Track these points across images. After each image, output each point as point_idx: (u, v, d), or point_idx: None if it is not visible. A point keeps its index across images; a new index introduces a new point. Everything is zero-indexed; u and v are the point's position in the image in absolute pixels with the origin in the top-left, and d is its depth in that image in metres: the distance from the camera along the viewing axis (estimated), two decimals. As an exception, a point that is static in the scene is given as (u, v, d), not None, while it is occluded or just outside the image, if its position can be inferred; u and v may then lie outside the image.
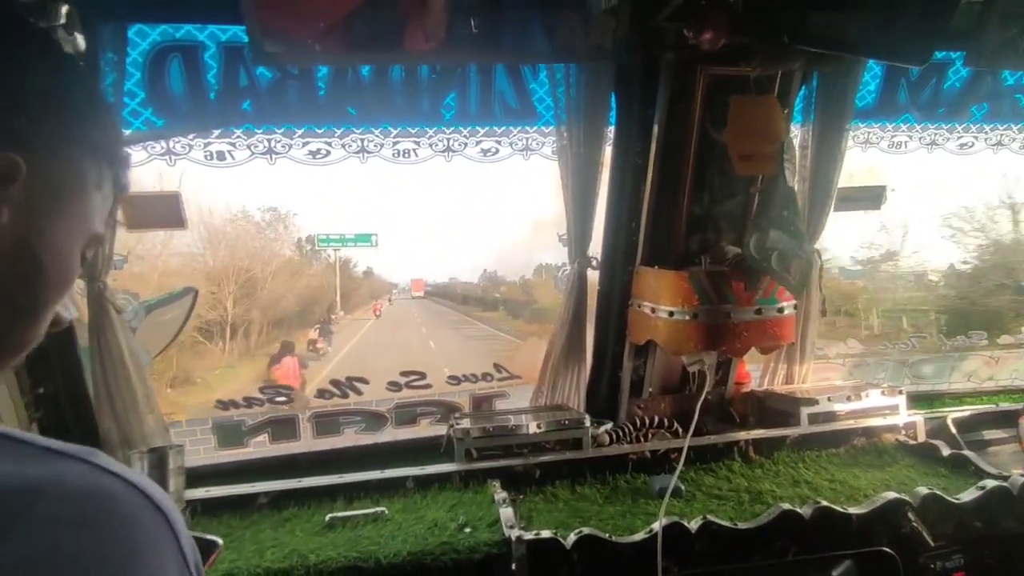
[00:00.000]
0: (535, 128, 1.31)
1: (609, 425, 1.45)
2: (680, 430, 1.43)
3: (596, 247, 1.43)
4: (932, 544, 1.05)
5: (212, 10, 0.99)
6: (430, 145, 1.25)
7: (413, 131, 1.23)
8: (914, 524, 1.04)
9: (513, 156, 1.31)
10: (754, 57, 1.12)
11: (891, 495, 1.06)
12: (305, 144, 1.18)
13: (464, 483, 1.25)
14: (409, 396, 1.53)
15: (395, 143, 1.22)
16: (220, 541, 0.79)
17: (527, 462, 1.29)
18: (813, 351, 1.61)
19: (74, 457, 0.32)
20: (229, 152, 1.14)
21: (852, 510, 1.05)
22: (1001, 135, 1.53)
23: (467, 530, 1.04)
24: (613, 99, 1.30)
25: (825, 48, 0.97)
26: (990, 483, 1.11)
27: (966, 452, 1.28)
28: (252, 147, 1.15)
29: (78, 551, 0.29)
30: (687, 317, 1.26)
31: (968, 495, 1.09)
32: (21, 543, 0.28)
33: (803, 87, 1.39)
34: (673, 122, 1.29)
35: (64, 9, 0.90)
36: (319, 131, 1.18)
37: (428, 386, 1.53)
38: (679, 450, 1.30)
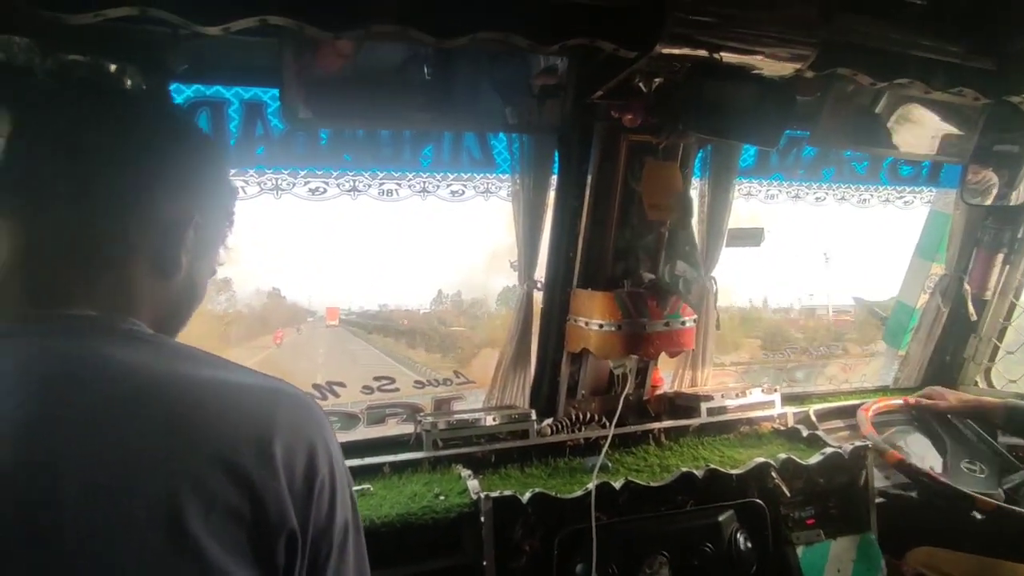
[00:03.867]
0: (494, 175, 1.60)
1: (550, 420, 1.75)
2: (607, 423, 1.74)
3: (540, 272, 1.75)
4: (789, 495, 1.41)
5: (252, 76, 1.22)
6: (409, 186, 1.52)
7: (396, 175, 1.50)
8: (776, 480, 1.41)
9: (476, 197, 1.60)
10: (661, 132, 1.49)
11: (760, 459, 1.42)
12: (307, 183, 1.42)
13: (432, 467, 1.50)
14: (379, 399, 1.76)
15: (381, 184, 1.49)
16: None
17: (484, 449, 1.56)
18: (711, 358, 1.99)
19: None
20: (242, 187, 1.36)
21: (733, 471, 1.40)
22: (844, 192, 2.01)
23: (441, 497, 1.29)
24: (556, 155, 1.63)
25: (705, 133, 1.36)
26: (829, 450, 1.50)
27: (818, 432, 1.68)
28: (262, 184, 1.38)
29: (318, 420, 0.54)
30: (613, 329, 1.59)
31: (814, 459, 1.48)
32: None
33: (700, 151, 1.79)
34: (602, 175, 1.64)
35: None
36: (319, 172, 1.42)
37: (396, 390, 1.77)
38: (607, 437, 1.62)
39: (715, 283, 1.95)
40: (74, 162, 0.55)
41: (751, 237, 1.98)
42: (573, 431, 1.70)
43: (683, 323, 1.63)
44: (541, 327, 1.80)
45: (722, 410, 1.81)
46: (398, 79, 1.41)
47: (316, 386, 1.64)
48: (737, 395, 1.84)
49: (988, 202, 1.98)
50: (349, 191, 1.46)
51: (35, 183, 0.55)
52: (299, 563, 0.50)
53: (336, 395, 1.65)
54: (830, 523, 1.49)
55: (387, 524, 1.19)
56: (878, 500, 1.57)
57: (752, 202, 1.97)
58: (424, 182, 1.53)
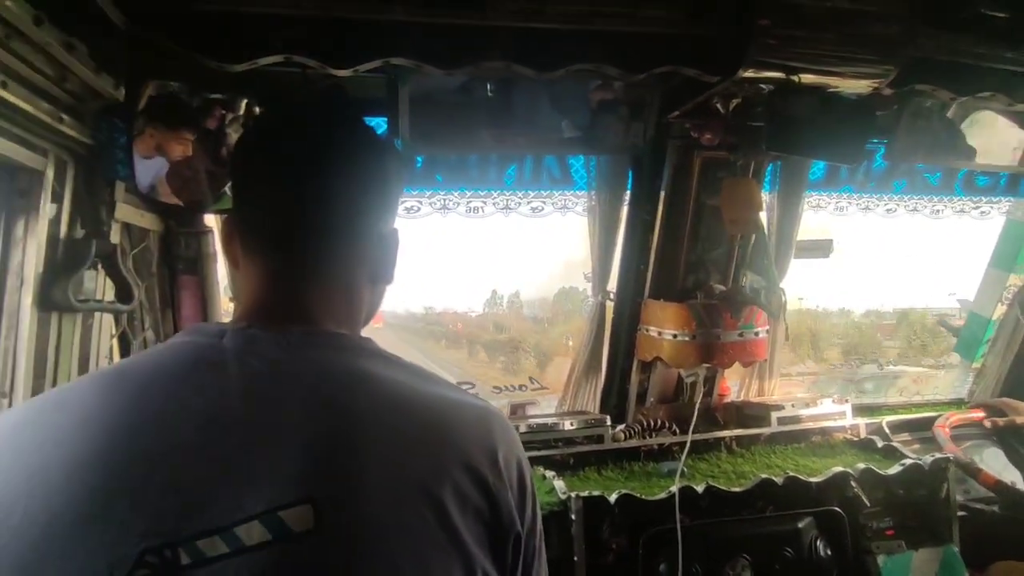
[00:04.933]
0: (571, 192, 1.69)
1: (622, 426, 1.81)
2: (677, 431, 1.79)
3: (613, 283, 1.82)
4: (868, 505, 1.43)
5: (368, 108, 1.34)
6: (494, 204, 1.62)
7: (482, 193, 1.60)
8: (855, 490, 1.43)
9: (554, 213, 1.69)
10: (739, 150, 1.55)
11: (839, 468, 1.45)
12: (402, 203, 1.53)
13: (515, 468, 1.58)
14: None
15: (468, 202, 1.59)
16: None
17: (563, 452, 1.63)
18: (779, 369, 2.01)
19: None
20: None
21: (812, 479, 1.43)
22: (916, 203, 2.00)
23: (531, 496, 1.38)
24: (630, 172, 1.70)
25: (787, 152, 1.40)
26: (908, 462, 1.51)
27: (894, 443, 1.69)
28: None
29: (516, 436, 0.61)
30: (687, 338, 1.64)
31: (893, 470, 1.49)
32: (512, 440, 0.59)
33: (771, 165, 1.83)
34: (675, 190, 1.70)
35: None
36: (413, 192, 1.54)
37: (475, 394, 1.87)
38: (680, 444, 1.67)
39: (784, 294, 1.97)
40: (310, 185, 0.61)
41: (820, 249, 2.00)
42: (644, 437, 1.76)
43: (756, 334, 1.67)
44: (612, 336, 1.87)
45: (793, 420, 1.83)
46: (465, 98, 1.51)
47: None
48: (807, 405, 1.86)
49: (1070, 211, 1.94)
50: (440, 209, 1.57)
51: (276, 206, 0.61)
52: (520, 563, 0.55)
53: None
54: (911, 534, 1.50)
55: (483, 519, 1.28)
56: (960, 514, 1.57)
57: (821, 214, 1.99)
58: (507, 199, 1.63)
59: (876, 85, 1.42)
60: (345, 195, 0.63)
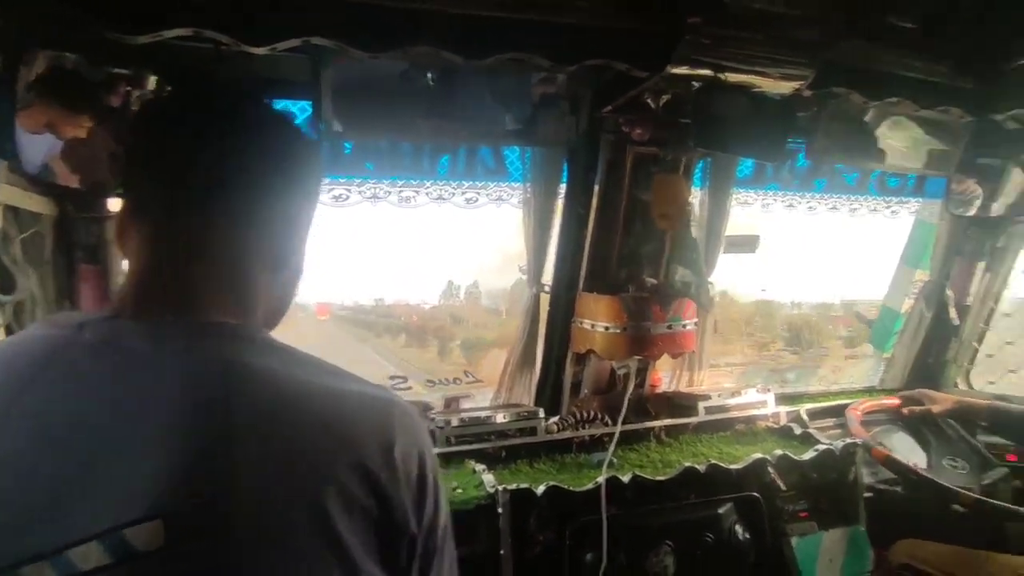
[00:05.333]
0: (506, 184, 1.67)
1: (556, 418, 1.82)
2: (610, 421, 1.82)
3: (548, 276, 1.82)
4: (784, 489, 1.50)
5: (292, 91, 1.28)
6: (427, 194, 1.58)
7: (415, 183, 1.56)
8: (772, 475, 1.49)
9: (488, 204, 1.67)
10: (668, 146, 1.57)
11: (758, 455, 1.51)
12: (330, 190, 1.48)
13: (446, 463, 1.56)
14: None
15: (400, 191, 1.55)
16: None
17: (495, 445, 1.63)
18: (708, 360, 2.08)
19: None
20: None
21: (732, 466, 1.48)
22: (835, 202, 2.11)
23: (459, 491, 1.36)
24: (565, 166, 1.70)
25: (712, 148, 1.44)
26: (821, 447, 1.59)
27: (810, 430, 1.78)
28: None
29: (422, 428, 0.59)
30: (618, 331, 1.66)
31: (807, 456, 1.57)
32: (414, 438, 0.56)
33: (701, 162, 1.87)
34: (609, 185, 1.72)
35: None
36: (342, 180, 1.48)
37: (409, 388, 1.84)
38: (611, 435, 1.70)
39: (713, 288, 2.03)
40: (203, 164, 0.57)
41: (747, 244, 2.07)
42: (578, 429, 1.78)
43: (684, 326, 1.72)
44: (547, 329, 1.88)
45: (719, 409, 1.89)
46: (404, 87, 1.47)
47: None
48: (733, 395, 1.93)
49: (971, 213, 2.09)
50: (370, 198, 1.52)
51: (165, 184, 0.57)
52: (415, 563, 0.53)
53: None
54: (822, 516, 1.59)
55: (410, 516, 1.26)
56: (866, 495, 1.67)
57: (748, 210, 2.06)
58: (441, 190, 1.59)
59: (797, 86, 1.47)
60: (241, 176, 0.58)
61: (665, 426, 1.80)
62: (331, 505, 0.47)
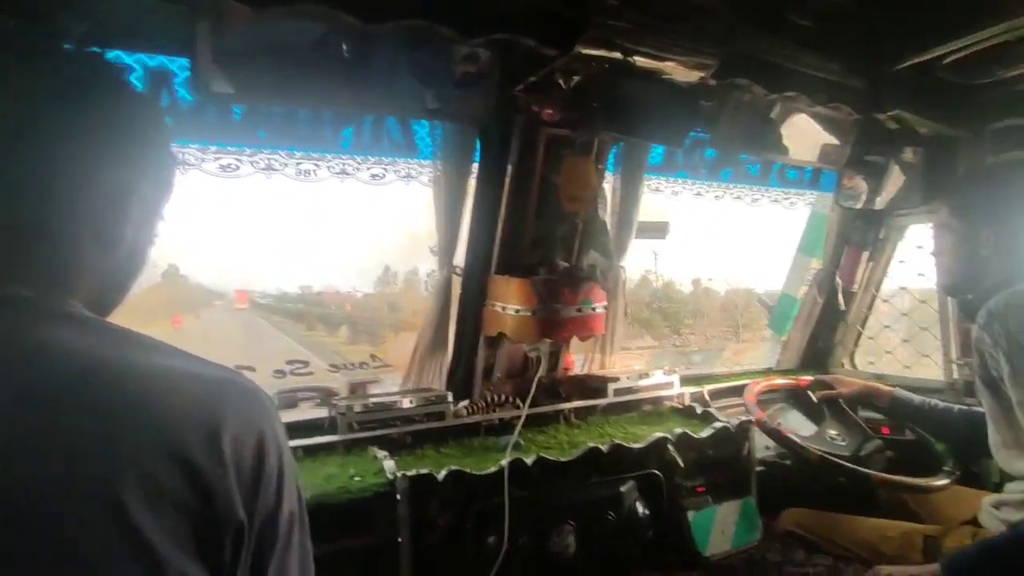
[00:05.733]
0: (416, 160, 1.61)
1: (466, 402, 1.80)
2: (521, 404, 1.82)
3: (460, 258, 1.78)
4: (683, 466, 1.56)
5: (158, 44, 1.15)
6: (328, 168, 1.49)
7: (315, 155, 1.47)
8: (672, 453, 1.54)
9: (396, 181, 1.61)
10: (577, 128, 1.57)
11: (659, 434, 1.55)
12: (217, 159, 1.36)
13: (348, 450, 1.50)
14: (292, 383, 1.73)
15: (298, 164, 1.45)
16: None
17: (400, 431, 1.58)
18: (619, 343, 2.12)
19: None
20: (144, 160, 1.29)
21: (634, 445, 1.52)
22: (739, 192, 2.20)
23: (357, 478, 1.30)
24: (478, 144, 1.66)
25: (616, 131, 1.45)
26: (718, 425, 1.67)
27: (710, 409, 1.85)
28: (167, 157, 1.30)
29: (267, 410, 0.53)
30: (528, 314, 1.65)
31: (705, 433, 1.63)
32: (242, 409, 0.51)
33: (614, 147, 1.89)
34: (522, 166, 1.69)
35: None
36: (231, 148, 1.37)
37: (310, 373, 1.75)
38: (520, 417, 1.69)
39: (624, 272, 2.07)
40: (17, 122, 0.51)
41: (657, 230, 2.13)
42: (488, 412, 1.76)
43: (594, 309, 1.73)
44: (459, 311, 1.84)
45: (627, 391, 1.94)
46: (316, 55, 1.38)
47: (225, 370, 1.58)
48: (641, 377, 1.98)
49: (858, 206, 2.25)
50: (264, 170, 1.41)
51: None
52: (244, 553, 0.49)
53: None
54: (717, 490, 1.66)
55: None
56: (758, 468, 1.77)
57: (658, 196, 2.11)
58: (344, 164, 1.51)
59: (702, 75, 1.51)
60: (39, 129, 0.52)
61: (574, 408, 1.82)
62: (128, 496, 0.42)
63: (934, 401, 1.82)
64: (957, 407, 1.75)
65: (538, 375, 1.72)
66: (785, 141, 1.95)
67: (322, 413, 1.63)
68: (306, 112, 1.41)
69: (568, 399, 1.93)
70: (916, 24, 1.63)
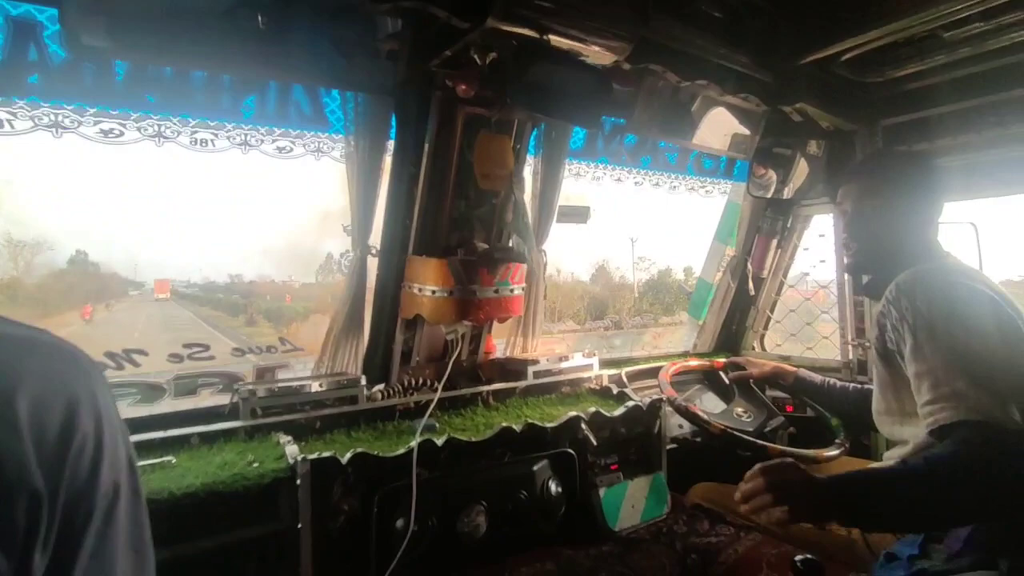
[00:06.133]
0: (327, 134, 1.54)
1: (382, 386, 1.75)
2: (440, 389, 1.80)
3: (377, 238, 1.73)
4: (595, 444, 1.58)
5: None
6: (228, 137, 1.40)
7: (212, 123, 1.37)
8: (585, 432, 1.57)
9: (306, 156, 1.53)
10: (494, 106, 1.55)
11: (573, 413, 1.57)
12: (97, 123, 1.24)
13: (250, 436, 1.42)
14: (191, 367, 1.62)
15: (193, 132, 1.35)
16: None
17: (308, 416, 1.52)
18: (541, 327, 2.13)
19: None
20: (8, 120, 1.16)
21: (548, 425, 1.53)
22: (658, 179, 2.26)
23: (255, 464, 1.24)
24: (393, 120, 1.61)
25: (530, 110, 1.44)
26: (631, 404, 1.71)
27: (625, 390, 1.90)
28: (36, 119, 1.18)
29: (84, 371, 0.49)
30: (446, 295, 1.63)
31: (618, 411, 1.67)
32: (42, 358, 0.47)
33: (535, 130, 1.89)
34: (440, 143, 1.66)
35: None
36: (114, 112, 1.25)
37: (211, 357, 1.64)
38: (438, 401, 1.67)
39: (545, 255, 2.08)
40: None
41: (578, 214, 2.15)
42: (405, 396, 1.73)
43: (512, 291, 1.73)
44: (376, 293, 1.79)
45: (547, 373, 1.95)
46: (226, 23, 1.30)
47: (109, 354, 1.46)
48: (561, 359, 2.00)
49: (768, 195, 2.36)
50: (153, 136, 1.31)
51: None
52: (44, 527, 0.44)
53: (135, 364, 1.49)
54: (630, 467, 1.71)
55: (190, 495, 1.12)
56: (670, 446, 1.83)
57: (580, 182, 2.13)
58: (246, 134, 1.42)
59: (616, 58, 1.52)
60: None
61: (493, 390, 1.81)
62: None
63: (833, 380, 1.94)
64: (852, 385, 1.88)
65: (454, 357, 1.70)
66: (700, 130, 2.01)
67: (226, 400, 1.54)
68: (202, 76, 1.32)
69: (488, 382, 1.92)
70: (815, 22, 1.72)
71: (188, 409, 1.53)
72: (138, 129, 1.29)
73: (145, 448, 1.31)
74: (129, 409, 1.53)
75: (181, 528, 1.10)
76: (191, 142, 1.36)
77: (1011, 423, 1.03)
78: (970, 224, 1.96)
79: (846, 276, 2.25)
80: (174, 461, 1.24)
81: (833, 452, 1.65)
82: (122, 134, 1.27)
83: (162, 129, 1.31)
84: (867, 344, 2.20)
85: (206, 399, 1.64)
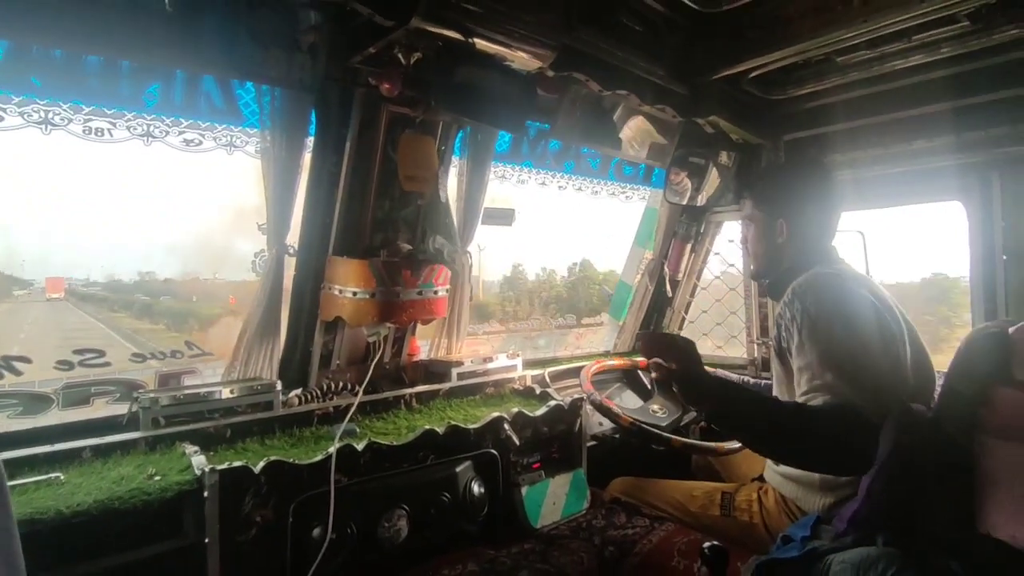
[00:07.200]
0: (240, 128, 1.47)
1: (299, 391, 1.69)
2: (361, 392, 1.75)
3: (294, 237, 1.66)
4: (518, 444, 1.61)
5: None
6: (128, 127, 1.30)
7: (109, 112, 1.27)
8: (508, 432, 1.58)
9: (217, 149, 1.45)
10: (419, 106, 1.54)
11: (496, 413, 1.59)
12: (-30, 105, 1.12)
13: (151, 447, 1.32)
14: (82, 375, 1.49)
15: (87, 120, 1.25)
16: None
17: (217, 424, 1.43)
18: (466, 328, 2.13)
19: None
20: None
21: (471, 426, 1.54)
22: (581, 183, 2.32)
23: (157, 478, 1.16)
24: (313, 116, 1.56)
25: (454, 112, 1.44)
26: (553, 403, 1.74)
27: (548, 390, 1.94)
28: None
29: None
30: (367, 296, 1.60)
31: (540, 411, 1.70)
32: None
33: (460, 132, 1.89)
34: (362, 142, 1.62)
35: None
36: (-10, 94, 1.13)
37: (107, 364, 1.52)
38: (359, 405, 1.63)
39: (471, 257, 2.08)
40: None
41: (504, 217, 2.17)
42: (324, 401, 1.68)
43: (436, 292, 1.72)
44: (293, 294, 1.72)
45: (471, 374, 1.95)
46: (127, 4, 1.21)
47: (-15, 363, 1.32)
48: (485, 361, 2.01)
49: (683, 202, 2.48)
50: (39, 123, 1.19)
51: None
52: None
53: (17, 372, 1.35)
54: (552, 465, 1.74)
55: (81, 514, 1.03)
56: (591, 443, 1.88)
57: (505, 184, 2.15)
58: (149, 124, 1.33)
59: (541, 65, 1.55)
60: None
61: (416, 393, 1.79)
62: None
63: (746, 378, 2.07)
64: (764, 382, 2.01)
65: (376, 359, 1.67)
66: (620, 137, 2.09)
67: (123, 410, 1.43)
68: (97, 61, 1.22)
69: (412, 385, 1.90)
70: (726, 41, 1.84)
71: (79, 420, 1.41)
72: (21, 114, 1.17)
73: (27, 464, 1.19)
74: (8, 422, 1.39)
75: (72, 550, 1.01)
76: (84, 131, 1.25)
77: (869, 413, 1.16)
78: (858, 232, 2.15)
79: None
80: (62, 478, 1.14)
81: (732, 445, 1.75)
82: (2, 119, 1.15)
83: (50, 116, 1.20)
84: (770, 343, 2.37)
85: (101, 409, 1.52)
